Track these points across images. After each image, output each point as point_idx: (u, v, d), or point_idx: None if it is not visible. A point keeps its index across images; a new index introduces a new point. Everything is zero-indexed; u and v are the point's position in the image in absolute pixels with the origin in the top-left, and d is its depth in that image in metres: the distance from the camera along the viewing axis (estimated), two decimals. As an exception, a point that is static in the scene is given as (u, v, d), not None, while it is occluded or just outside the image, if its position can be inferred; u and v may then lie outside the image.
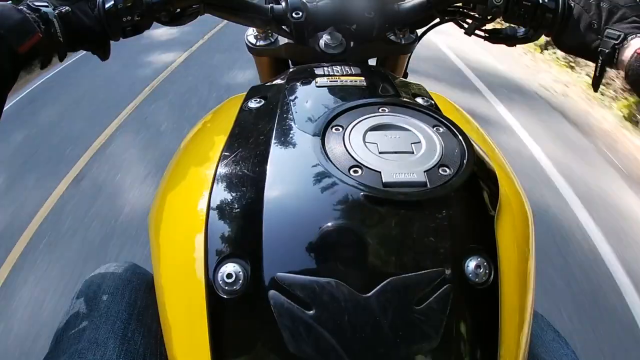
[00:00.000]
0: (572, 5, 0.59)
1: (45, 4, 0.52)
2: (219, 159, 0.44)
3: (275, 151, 0.42)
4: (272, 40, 0.74)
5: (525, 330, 0.39)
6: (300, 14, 0.65)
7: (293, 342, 0.31)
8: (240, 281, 0.34)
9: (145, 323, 0.48)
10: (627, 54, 0.53)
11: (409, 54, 0.80)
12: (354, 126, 0.43)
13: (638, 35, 0.53)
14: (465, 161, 0.40)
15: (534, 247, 0.44)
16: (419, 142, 0.42)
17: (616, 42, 0.54)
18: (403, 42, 0.73)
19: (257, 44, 0.75)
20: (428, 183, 0.37)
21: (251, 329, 0.34)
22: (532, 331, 0.55)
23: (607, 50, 0.55)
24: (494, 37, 0.70)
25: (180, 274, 0.39)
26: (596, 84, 0.59)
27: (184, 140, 0.58)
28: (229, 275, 0.34)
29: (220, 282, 0.34)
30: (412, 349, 0.32)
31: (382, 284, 0.33)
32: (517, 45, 0.69)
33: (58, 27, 0.51)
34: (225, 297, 0.34)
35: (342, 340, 0.31)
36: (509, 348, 0.36)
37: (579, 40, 0.59)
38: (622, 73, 0.54)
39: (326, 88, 0.52)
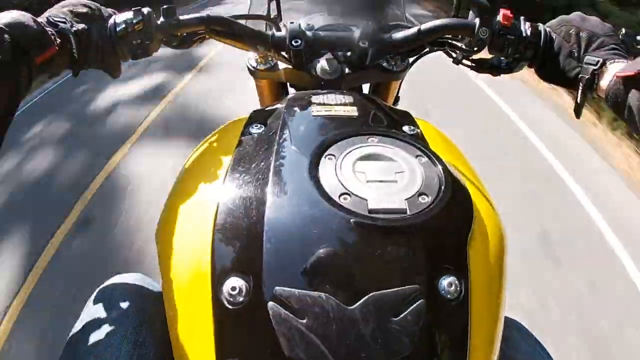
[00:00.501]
0: (554, 37, 0.63)
1: (64, 20, 0.55)
2: (224, 181, 0.49)
3: (275, 176, 0.47)
4: (272, 64, 0.79)
5: (494, 340, 0.45)
6: (299, 41, 0.70)
7: (288, 347, 0.36)
8: (243, 293, 0.39)
9: (156, 330, 0.51)
10: (606, 79, 0.55)
11: (401, 80, 0.85)
12: (345, 155, 0.48)
13: (616, 60, 0.55)
14: (442, 190, 0.46)
15: (505, 265, 0.49)
16: (403, 171, 0.47)
17: (595, 67, 0.56)
18: (395, 70, 0.78)
19: (258, 67, 0.80)
20: (408, 210, 0.43)
21: (252, 335, 0.39)
22: (510, 340, 0.60)
23: (586, 77, 0.57)
24: (480, 66, 0.74)
25: (188, 287, 0.44)
26: (578, 110, 0.61)
27: (188, 158, 0.63)
28: (233, 288, 0.39)
29: (226, 294, 0.39)
30: (390, 355, 0.37)
31: (364, 298, 0.38)
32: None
33: (74, 43, 0.55)
34: (229, 307, 0.39)
35: (330, 346, 0.36)
36: (478, 356, 0.41)
37: (560, 70, 0.62)
38: (603, 98, 0.56)
39: (322, 117, 0.57)
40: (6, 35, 0.47)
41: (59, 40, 0.53)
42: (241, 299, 0.39)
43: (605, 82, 0.55)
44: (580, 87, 0.59)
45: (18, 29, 0.48)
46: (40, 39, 0.50)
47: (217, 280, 0.40)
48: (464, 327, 0.41)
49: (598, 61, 0.56)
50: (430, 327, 0.39)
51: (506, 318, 0.65)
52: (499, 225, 0.52)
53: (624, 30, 0.60)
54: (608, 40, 0.59)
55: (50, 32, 0.52)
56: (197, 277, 0.42)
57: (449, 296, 0.40)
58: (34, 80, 0.51)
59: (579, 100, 0.60)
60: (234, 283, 0.39)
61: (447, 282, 0.40)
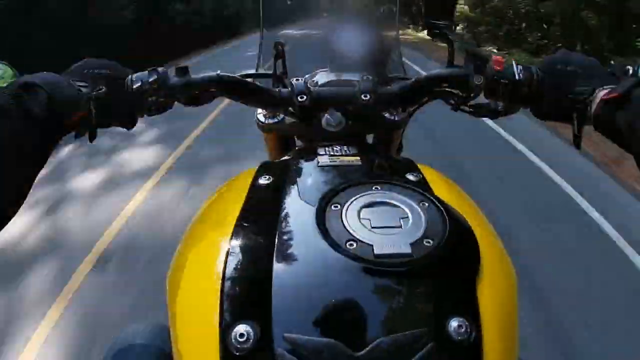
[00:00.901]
0: (544, 76, 0.65)
1: (85, 84, 0.58)
2: (233, 230, 0.50)
3: (283, 225, 0.48)
4: (279, 119, 0.82)
5: None
6: (305, 97, 0.72)
7: None
8: (251, 340, 0.39)
9: None
10: (596, 104, 0.56)
11: (403, 129, 0.88)
12: (350, 204, 0.50)
13: (604, 87, 0.56)
14: (447, 233, 0.46)
15: (517, 307, 0.49)
16: (407, 217, 0.48)
17: (586, 97, 0.58)
18: (396, 119, 0.81)
19: (266, 122, 0.83)
20: (414, 254, 0.44)
21: None
22: None
23: (579, 107, 0.58)
24: (478, 111, 0.76)
25: (196, 333, 0.44)
26: (577, 142, 0.62)
27: (201, 207, 0.65)
28: (242, 335, 0.39)
29: (233, 340, 0.39)
30: None
31: (373, 343, 0.38)
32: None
33: (93, 107, 0.57)
34: (237, 354, 0.39)
35: None
36: None
37: (554, 106, 0.63)
38: (592, 124, 0.58)
39: (327, 167, 0.59)
40: (43, 92, 0.49)
41: (85, 105, 0.56)
42: (249, 345, 0.39)
43: (595, 109, 0.56)
44: (575, 119, 0.60)
45: (53, 87, 0.51)
46: (73, 101, 0.53)
47: (225, 327, 0.41)
48: None
49: (587, 90, 0.58)
50: None
51: None
52: (508, 266, 0.52)
53: (612, 62, 0.62)
54: (596, 72, 0.60)
55: (82, 96, 0.55)
56: (205, 323, 0.43)
57: (459, 338, 0.40)
58: (61, 137, 0.54)
59: (576, 132, 0.61)
60: (242, 330, 0.40)
61: (456, 324, 0.40)
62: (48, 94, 0.50)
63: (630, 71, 0.60)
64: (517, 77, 0.66)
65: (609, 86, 0.57)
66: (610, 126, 0.54)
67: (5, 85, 0.50)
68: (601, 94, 0.56)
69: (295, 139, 0.92)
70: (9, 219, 0.46)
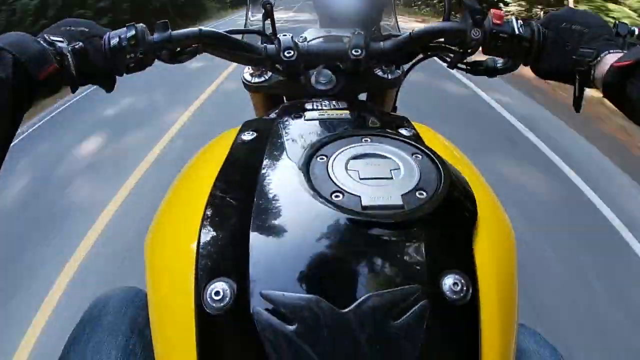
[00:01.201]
0: (547, 33, 0.62)
1: (61, 39, 0.57)
2: (212, 188, 0.46)
3: (263, 179, 0.44)
4: (267, 77, 0.78)
5: (508, 345, 0.41)
6: (292, 53, 0.69)
7: (274, 355, 0.33)
8: (227, 298, 0.36)
9: (147, 337, 0.51)
10: (602, 69, 0.54)
11: (397, 89, 0.84)
12: (337, 155, 0.46)
13: (610, 51, 0.55)
14: (441, 185, 0.43)
15: (516, 265, 0.46)
16: (398, 168, 0.45)
17: (590, 59, 0.56)
18: (390, 78, 0.77)
19: (253, 81, 0.79)
20: (405, 206, 0.40)
21: (236, 343, 0.36)
22: (518, 345, 0.56)
23: (583, 69, 0.57)
24: (475, 69, 0.73)
25: (171, 294, 0.41)
26: (577, 104, 0.61)
27: (182, 169, 0.62)
28: (217, 293, 0.36)
29: (209, 299, 0.36)
30: None
31: (360, 299, 0.34)
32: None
33: (71, 61, 0.56)
34: (212, 313, 0.36)
35: (321, 353, 0.33)
36: None
37: (556, 65, 0.61)
38: (600, 90, 0.56)
39: (315, 121, 0.55)
40: (7, 54, 0.49)
41: (58, 58, 0.55)
42: (225, 304, 0.36)
43: (601, 73, 0.55)
44: (577, 81, 0.58)
45: (19, 47, 0.50)
46: (40, 57, 0.52)
47: (200, 285, 0.37)
48: (474, 331, 0.37)
49: (592, 53, 0.56)
50: (436, 330, 0.35)
51: (524, 327, 0.61)
52: (506, 225, 0.49)
53: (617, 22, 0.60)
54: (601, 32, 0.58)
55: (49, 51, 0.54)
56: (180, 283, 0.39)
57: (454, 296, 0.36)
58: (35, 96, 0.53)
59: (577, 94, 0.59)
60: (218, 287, 0.36)
61: (451, 281, 0.37)
62: (13, 55, 0.49)
63: (636, 32, 0.58)
64: (517, 31, 0.63)
65: (615, 50, 0.55)
66: (620, 95, 0.53)
67: None
68: (611, 59, 0.54)
69: (284, 99, 0.88)
70: None
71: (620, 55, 0.53)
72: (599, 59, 0.55)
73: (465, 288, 0.37)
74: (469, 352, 0.37)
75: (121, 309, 0.56)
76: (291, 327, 0.34)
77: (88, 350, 0.51)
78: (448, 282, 0.37)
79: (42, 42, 0.54)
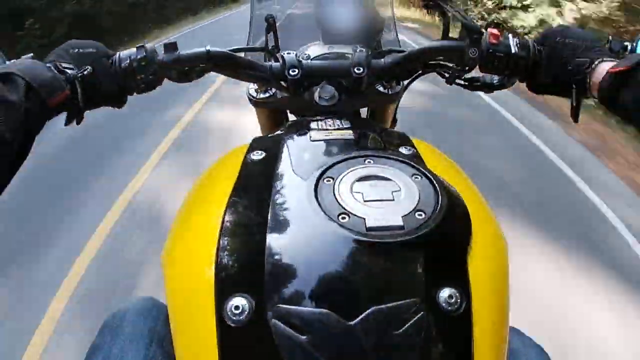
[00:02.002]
0: (541, 49, 0.65)
1: (70, 66, 0.58)
2: (227, 206, 0.50)
3: (276, 200, 0.48)
4: (271, 93, 0.81)
5: (500, 351, 0.45)
6: (296, 71, 0.71)
7: None
8: (246, 312, 0.40)
9: (165, 347, 0.54)
10: (597, 77, 0.56)
11: (397, 103, 0.87)
12: (342, 177, 0.50)
13: (605, 59, 0.57)
14: (439, 205, 0.47)
15: (508, 277, 0.50)
16: (399, 190, 0.48)
17: (586, 67, 0.58)
18: (390, 93, 0.80)
19: (258, 97, 0.82)
20: (405, 226, 0.44)
21: (255, 352, 0.40)
22: (517, 353, 0.60)
23: (579, 78, 0.59)
24: (473, 85, 0.76)
25: (192, 307, 0.45)
26: (575, 114, 0.63)
27: (193, 185, 0.65)
28: (237, 307, 0.40)
29: (229, 312, 0.40)
30: None
31: (365, 312, 0.39)
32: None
33: (81, 88, 0.57)
34: (233, 325, 0.40)
35: None
36: None
37: (552, 77, 0.63)
38: (596, 97, 0.57)
39: (320, 141, 0.59)
40: (20, 79, 0.50)
41: (68, 86, 0.56)
42: (244, 317, 0.40)
43: (597, 81, 0.57)
44: (574, 90, 0.60)
45: (31, 74, 0.52)
46: (51, 84, 0.54)
47: (221, 300, 0.41)
48: (467, 339, 0.41)
49: (587, 61, 0.58)
50: (433, 339, 0.39)
51: (512, 329, 0.65)
52: (499, 238, 0.53)
53: (610, 37, 0.62)
54: (594, 45, 0.61)
55: (61, 78, 0.55)
56: (201, 297, 0.43)
57: (449, 308, 0.40)
58: (46, 120, 0.55)
59: (574, 104, 0.61)
60: (237, 302, 0.40)
61: (447, 294, 0.41)
62: (26, 81, 0.51)
63: (629, 47, 0.60)
64: (513, 50, 0.66)
65: (609, 59, 0.57)
66: (615, 100, 0.55)
67: None
68: (606, 66, 0.56)
69: (288, 113, 0.91)
70: None
71: (614, 62, 0.56)
72: (593, 66, 0.57)
73: (459, 300, 0.41)
74: (464, 358, 0.41)
75: (140, 318, 0.58)
76: (305, 337, 0.38)
77: (111, 357, 0.54)
78: (444, 295, 0.41)
79: (53, 68, 0.56)
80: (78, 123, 0.60)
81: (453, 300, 0.41)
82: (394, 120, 0.93)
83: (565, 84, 0.62)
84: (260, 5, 1.03)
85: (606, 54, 0.59)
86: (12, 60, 0.56)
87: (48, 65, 0.56)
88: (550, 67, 0.63)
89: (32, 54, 0.60)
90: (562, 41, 0.63)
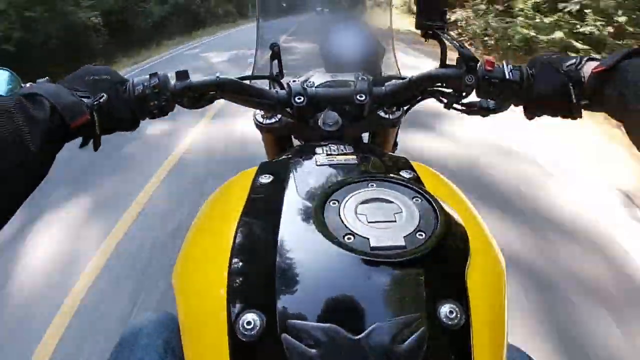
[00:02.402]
0: (533, 72, 0.68)
1: (87, 94, 0.60)
2: (237, 227, 0.53)
3: (285, 222, 0.51)
4: (277, 119, 0.85)
5: None
6: (302, 98, 0.75)
7: None
8: (258, 327, 0.42)
9: (179, 358, 0.56)
10: (586, 75, 0.60)
11: (397, 127, 0.91)
12: (347, 200, 0.53)
13: (591, 59, 0.61)
14: (438, 226, 0.50)
15: (505, 293, 0.52)
16: (401, 212, 0.51)
17: (576, 66, 0.62)
18: (391, 118, 0.84)
19: (264, 122, 0.86)
20: (407, 246, 0.47)
21: None
22: None
23: (572, 75, 0.62)
24: (470, 109, 0.79)
25: (205, 323, 0.47)
26: (578, 112, 0.64)
27: (202, 207, 0.68)
28: (249, 323, 0.43)
29: (241, 328, 0.43)
30: None
31: (370, 327, 0.41)
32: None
33: (97, 116, 0.60)
34: (244, 340, 0.42)
35: None
36: None
37: (549, 87, 0.66)
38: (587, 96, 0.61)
39: (325, 166, 0.62)
40: (45, 101, 0.53)
41: (88, 111, 0.59)
42: (256, 332, 0.42)
43: (584, 80, 0.61)
44: (573, 89, 0.63)
45: (56, 97, 0.55)
46: (74, 108, 0.56)
47: (233, 316, 0.44)
48: (467, 353, 0.43)
49: (576, 60, 0.63)
50: (434, 353, 0.42)
51: (511, 346, 0.67)
52: (496, 256, 0.55)
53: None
54: (583, 55, 0.65)
55: (83, 104, 0.58)
56: (214, 313, 0.46)
57: (449, 322, 0.43)
58: (67, 141, 0.58)
59: (575, 101, 0.63)
60: (249, 318, 0.43)
61: (447, 310, 0.43)
62: (50, 103, 0.53)
63: None
64: (507, 76, 0.70)
65: (595, 59, 0.61)
66: (601, 97, 0.58)
67: (10, 94, 0.53)
68: (591, 65, 0.60)
69: (292, 137, 0.94)
70: (7, 220, 0.48)
71: (598, 62, 0.59)
72: (583, 62, 0.61)
73: (459, 315, 0.44)
74: None
75: (155, 332, 0.60)
76: (314, 351, 0.40)
77: None
78: (444, 310, 0.43)
79: (75, 94, 0.58)
80: (96, 149, 0.63)
81: (453, 315, 0.43)
82: (395, 144, 0.97)
83: (563, 89, 0.64)
84: (264, 31, 1.07)
85: (590, 56, 0.63)
86: (30, 83, 0.59)
87: (70, 91, 0.59)
88: (544, 77, 0.66)
89: (47, 78, 0.62)
90: (550, 57, 0.67)
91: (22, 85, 0.63)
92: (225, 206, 0.64)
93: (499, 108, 0.76)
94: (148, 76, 0.67)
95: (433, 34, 0.77)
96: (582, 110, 0.64)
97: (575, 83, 0.62)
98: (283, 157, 0.70)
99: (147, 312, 0.69)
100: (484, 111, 0.78)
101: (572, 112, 0.65)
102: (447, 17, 0.78)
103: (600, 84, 0.58)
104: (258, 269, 0.47)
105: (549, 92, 0.66)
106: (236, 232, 0.52)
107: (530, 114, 0.72)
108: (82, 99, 0.59)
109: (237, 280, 0.47)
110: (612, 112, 0.58)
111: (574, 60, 0.63)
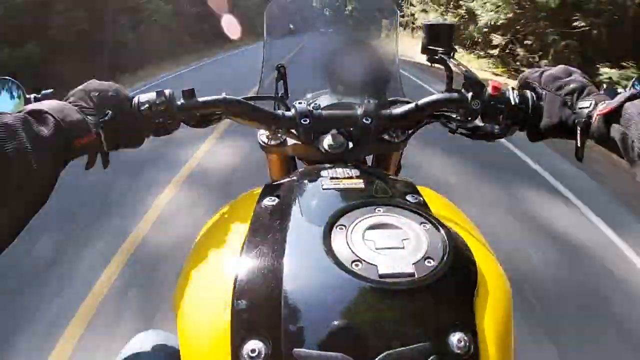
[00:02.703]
0: (543, 94, 0.69)
1: (93, 112, 0.60)
2: (242, 250, 0.52)
3: (291, 246, 0.50)
4: (282, 140, 0.85)
5: None
6: (307, 120, 0.75)
7: None
8: (263, 355, 0.41)
9: None
10: (593, 115, 0.61)
11: (402, 150, 0.90)
12: (354, 225, 0.52)
13: (605, 101, 0.61)
14: (447, 253, 0.49)
15: (512, 321, 0.51)
16: (409, 238, 0.51)
17: (589, 109, 0.62)
18: (396, 141, 0.84)
19: (269, 143, 0.85)
20: (416, 274, 0.46)
21: None
22: None
23: (583, 119, 0.63)
24: (475, 134, 0.79)
25: (208, 348, 0.46)
26: (580, 153, 0.66)
27: (203, 228, 0.67)
28: (253, 350, 0.41)
29: (246, 356, 0.41)
30: None
31: (379, 356, 0.40)
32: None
33: (102, 133, 0.60)
34: None
35: None
36: None
37: (556, 121, 0.67)
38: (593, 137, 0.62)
39: (331, 190, 0.62)
40: (50, 118, 0.53)
41: (94, 130, 0.58)
42: None
43: (594, 121, 0.62)
44: (579, 131, 0.64)
45: (61, 114, 0.54)
46: (79, 126, 0.56)
47: (237, 343, 0.43)
48: None
49: (591, 103, 0.63)
50: None
51: None
52: (504, 283, 0.55)
53: (605, 85, 0.67)
54: (594, 89, 0.66)
55: (88, 121, 0.58)
56: (217, 339, 0.45)
57: (459, 351, 0.42)
58: (71, 159, 0.57)
59: (579, 144, 0.65)
60: (254, 346, 0.42)
61: (456, 338, 0.42)
62: (56, 120, 0.53)
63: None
64: (513, 101, 0.70)
65: (605, 101, 0.62)
66: (607, 138, 0.60)
67: (16, 111, 0.53)
68: (600, 107, 0.61)
69: (297, 158, 0.94)
70: (8, 242, 0.47)
71: (604, 104, 0.61)
72: (595, 109, 0.62)
73: (468, 344, 0.43)
74: None
75: (155, 355, 0.59)
76: None
77: None
78: (454, 339, 0.42)
79: (79, 112, 0.58)
80: (105, 167, 0.62)
81: (462, 344, 0.42)
82: (399, 167, 0.96)
83: (570, 126, 0.65)
84: (270, 51, 1.07)
85: (603, 97, 0.63)
86: (35, 95, 0.59)
87: (75, 108, 0.58)
88: (552, 112, 0.67)
89: (52, 90, 0.62)
90: (565, 85, 0.67)
91: (27, 96, 0.63)
92: (228, 228, 0.63)
93: (504, 133, 0.76)
94: (155, 93, 0.67)
95: (440, 59, 0.77)
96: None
97: (583, 124, 0.64)
98: (287, 179, 0.70)
99: (147, 330, 0.67)
100: (489, 136, 0.78)
101: (576, 152, 0.66)
102: (453, 42, 0.78)
103: (605, 125, 0.60)
104: (264, 296, 0.46)
105: (557, 127, 0.67)
106: (241, 256, 0.51)
107: (534, 138, 0.72)
108: (88, 116, 0.59)
109: (242, 306, 0.46)
110: (617, 151, 0.60)
111: (588, 104, 0.63)
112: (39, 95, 0.62)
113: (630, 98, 0.58)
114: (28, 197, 0.49)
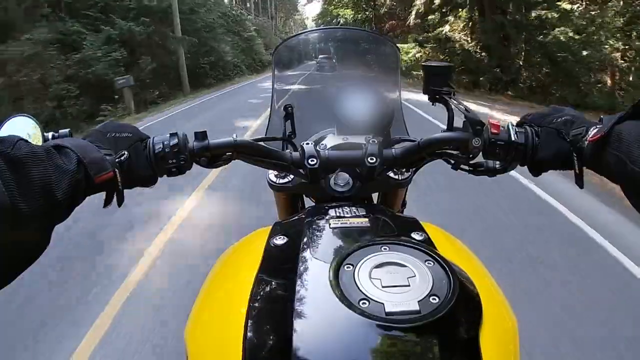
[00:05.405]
0: (539, 130, 0.71)
1: (110, 152, 0.62)
2: (252, 288, 0.54)
3: (300, 285, 0.52)
4: (290, 179, 0.87)
5: None
6: (315, 160, 0.77)
7: None
8: None
9: None
10: (587, 142, 0.62)
11: (406, 187, 0.93)
12: (361, 264, 0.54)
13: (597, 127, 0.62)
14: (451, 290, 0.50)
15: (518, 354, 0.52)
16: (414, 276, 0.52)
17: (582, 136, 0.64)
18: (400, 179, 0.86)
19: (277, 182, 0.88)
20: (421, 311, 0.47)
21: None
22: None
23: (579, 146, 0.64)
24: (476, 170, 0.82)
25: None
26: (580, 181, 0.67)
27: (214, 266, 0.69)
28: None
29: None
30: None
31: None
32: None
33: (119, 172, 0.62)
34: None
35: None
36: None
37: (553, 153, 0.68)
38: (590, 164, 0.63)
39: (338, 229, 0.64)
40: (73, 154, 0.55)
41: (110, 168, 0.60)
42: None
43: (586, 150, 0.63)
44: (576, 159, 0.65)
45: (83, 151, 0.56)
46: (99, 163, 0.58)
47: None
48: None
49: (583, 130, 0.64)
50: None
51: None
52: (509, 317, 0.56)
53: (602, 116, 0.68)
54: (586, 120, 0.67)
55: (108, 160, 0.60)
56: None
57: None
58: (89, 195, 0.59)
59: (578, 172, 0.66)
60: None
61: None
62: (78, 156, 0.55)
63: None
64: (512, 138, 0.72)
65: (597, 127, 0.63)
66: (599, 162, 0.61)
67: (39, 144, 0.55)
68: (590, 134, 0.62)
69: (304, 196, 0.97)
70: (34, 259, 0.49)
71: (596, 130, 0.62)
72: (588, 132, 0.63)
73: None
74: None
75: None
76: None
77: None
78: None
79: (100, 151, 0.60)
80: (120, 204, 0.64)
81: None
82: (404, 204, 0.98)
83: (567, 156, 0.67)
84: (277, 93, 1.12)
85: (594, 123, 0.65)
86: (52, 133, 0.62)
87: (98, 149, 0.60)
88: (550, 143, 0.69)
89: (69, 129, 0.65)
90: (557, 119, 0.69)
91: (45, 134, 0.65)
92: (239, 266, 0.65)
93: (505, 168, 0.78)
94: (168, 135, 0.70)
95: (441, 99, 0.80)
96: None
97: (578, 151, 0.65)
98: (296, 217, 0.72)
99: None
100: (491, 172, 0.81)
101: (576, 180, 0.67)
102: (454, 82, 0.82)
103: (598, 150, 0.60)
104: (275, 334, 0.48)
105: (553, 158, 0.69)
106: (251, 294, 0.53)
107: (535, 172, 0.74)
108: (105, 155, 0.61)
109: (254, 345, 0.47)
110: (610, 176, 0.60)
111: (580, 131, 0.65)
112: (57, 134, 0.66)
113: (619, 120, 0.58)
114: (47, 224, 0.50)
